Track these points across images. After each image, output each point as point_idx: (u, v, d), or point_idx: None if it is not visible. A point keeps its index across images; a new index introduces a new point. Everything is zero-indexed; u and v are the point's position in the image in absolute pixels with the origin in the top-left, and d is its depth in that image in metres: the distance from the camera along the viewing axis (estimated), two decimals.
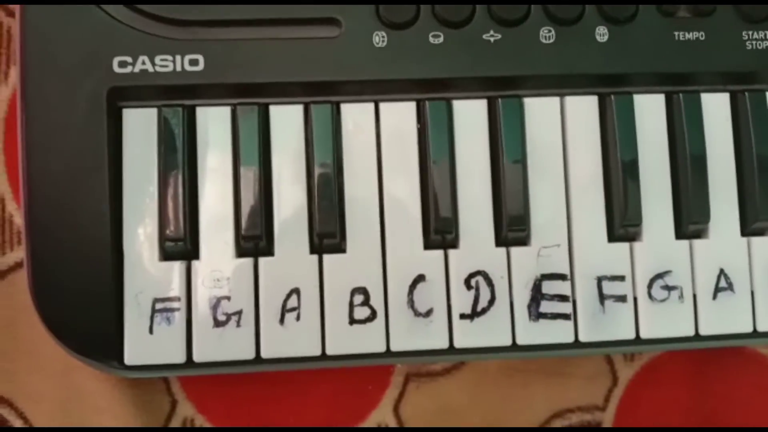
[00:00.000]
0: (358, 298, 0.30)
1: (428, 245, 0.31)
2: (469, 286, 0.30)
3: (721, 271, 0.31)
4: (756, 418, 0.36)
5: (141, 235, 0.30)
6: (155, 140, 0.30)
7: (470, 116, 0.31)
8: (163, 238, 0.29)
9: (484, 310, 0.30)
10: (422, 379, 0.35)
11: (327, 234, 0.30)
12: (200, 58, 0.29)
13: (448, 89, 0.31)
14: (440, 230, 0.30)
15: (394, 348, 0.30)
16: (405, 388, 0.35)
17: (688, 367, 0.36)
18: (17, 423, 0.33)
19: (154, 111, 0.30)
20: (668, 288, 0.31)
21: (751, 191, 0.32)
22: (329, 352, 0.29)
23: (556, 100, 0.31)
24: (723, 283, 0.31)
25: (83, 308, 0.29)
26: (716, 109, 0.32)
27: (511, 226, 0.30)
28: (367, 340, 0.30)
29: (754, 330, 0.31)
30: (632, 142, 0.31)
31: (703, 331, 0.31)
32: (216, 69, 0.29)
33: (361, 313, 0.30)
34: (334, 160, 0.30)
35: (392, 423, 0.35)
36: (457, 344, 0.30)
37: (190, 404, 0.34)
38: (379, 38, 0.30)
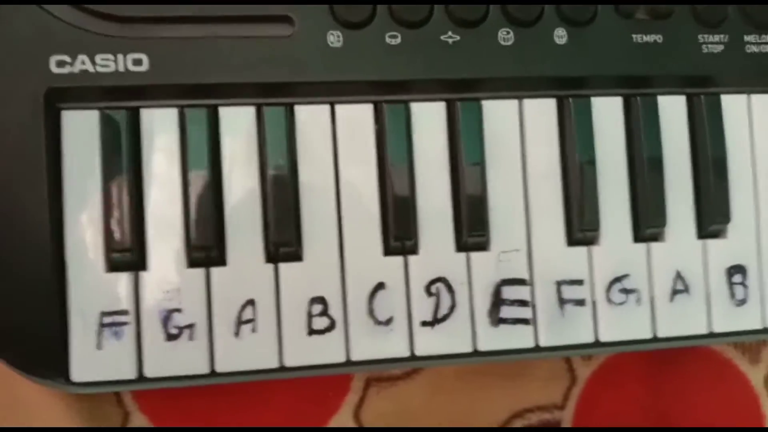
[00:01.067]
0: (317, 308, 0.29)
1: (388, 251, 0.30)
2: (429, 293, 0.30)
3: (678, 273, 0.32)
4: (711, 414, 0.37)
5: (85, 245, 0.28)
6: (98, 144, 0.28)
7: (429, 119, 0.30)
8: (108, 247, 0.28)
9: (445, 317, 0.30)
10: (382, 384, 0.35)
11: (283, 242, 0.29)
12: (144, 57, 0.28)
13: (406, 91, 0.30)
14: (400, 237, 0.29)
15: (354, 358, 0.29)
16: (365, 393, 0.35)
17: (645, 365, 0.37)
18: None
19: (95, 113, 0.28)
20: (626, 291, 0.31)
21: (707, 194, 0.32)
22: (287, 363, 0.29)
23: (514, 102, 0.31)
24: (679, 286, 0.32)
25: (25, 322, 0.28)
26: (673, 112, 0.32)
27: (471, 231, 0.30)
28: (327, 350, 0.29)
29: (710, 331, 0.32)
30: (590, 146, 0.31)
31: (661, 333, 0.31)
32: (161, 69, 0.28)
33: (320, 323, 0.29)
34: (289, 164, 0.29)
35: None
36: (418, 352, 0.30)
37: (143, 416, 0.33)
38: (335, 38, 0.29)
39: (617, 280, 0.31)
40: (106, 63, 0.27)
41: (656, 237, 0.32)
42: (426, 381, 0.35)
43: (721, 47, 0.31)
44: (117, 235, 0.28)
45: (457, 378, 0.35)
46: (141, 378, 0.28)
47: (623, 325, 0.31)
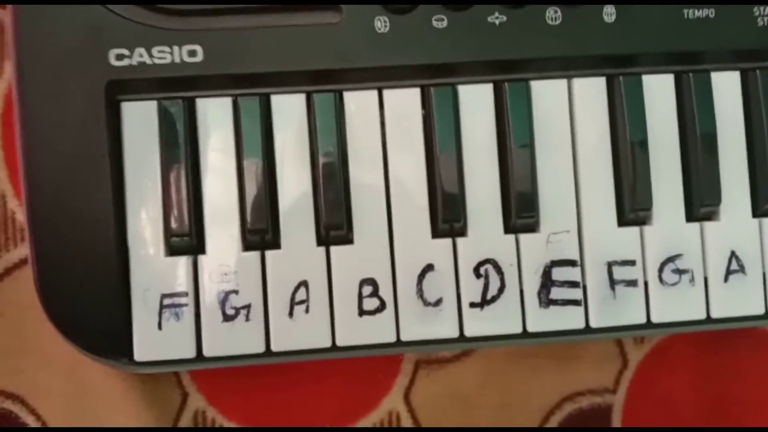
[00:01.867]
0: (367, 289, 0.30)
1: (436, 234, 0.30)
2: (478, 275, 0.30)
3: (733, 253, 0.31)
4: (766, 397, 0.36)
5: (146, 230, 0.29)
6: (156, 134, 0.29)
7: (476, 101, 0.30)
8: (168, 233, 0.29)
9: (493, 298, 0.30)
10: (432, 366, 0.35)
11: (334, 226, 0.29)
12: (198, 48, 0.29)
13: (452, 74, 0.30)
14: (448, 219, 0.30)
15: (404, 338, 0.30)
16: (415, 375, 0.35)
17: (698, 348, 0.36)
18: (29, 419, 0.33)
19: (153, 104, 0.29)
20: (679, 271, 0.31)
21: (763, 171, 0.31)
22: (339, 343, 0.29)
23: (563, 82, 0.31)
24: (734, 266, 0.31)
25: (90, 305, 0.29)
26: (727, 88, 0.31)
27: (520, 213, 0.30)
28: (377, 330, 0.29)
29: (766, 312, 0.31)
30: (642, 124, 0.30)
31: (715, 313, 0.31)
32: (215, 59, 0.29)
33: (371, 304, 0.29)
34: (339, 150, 0.30)
35: (403, 410, 0.35)
36: (468, 333, 0.30)
37: (200, 396, 0.34)
38: (381, 23, 0.29)
39: (670, 260, 0.31)
40: (162, 55, 0.29)
41: (710, 216, 0.31)
42: (476, 363, 0.35)
43: None
44: (176, 220, 0.29)
45: (508, 361, 0.35)
46: (200, 357, 0.29)
47: (676, 305, 0.31)
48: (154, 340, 0.29)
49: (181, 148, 0.29)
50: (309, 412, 0.34)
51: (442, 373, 0.35)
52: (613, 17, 0.30)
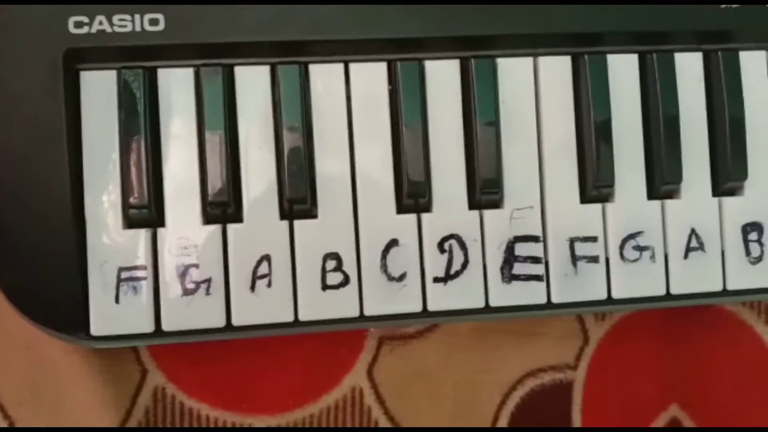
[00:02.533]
0: (331, 264, 0.29)
1: (401, 209, 0.30)
2: (442, 250, 0.30)
3: (693, 230, 0.31)
4: (725, 376, 0.37)
5: (104, 202, 0.29)
6: (115, 104, 0.29)
7: (443, 77, 0.30)
8: (126, 205, 0.28)
9: (457, 273, 0.30)
10: (395, 342, 0.35)
11: (297, 200, 0.29)
12: (160, 17, 0.28)
13: (420, 49, 0.30)
14: (413, 194, 0.30)
15: (367, 313, 0.29)
16: (378, 351, 0.35)
17: (659, 325, 0.37)
18: None
19: (113, 73, 0.29)
20: (640, 248, 0.31)
21: (723, 151, 0.32)
22: (302, 318, 0.29)
23: (529, 60, 0.31)
24: (694, 243, 0.31)
25: (46, 279, 0.28)
26: (689, 68, 0.32)
27: (485, 189, 0.30)
28: (341, 305, 0.29)
29: (724, 289, 0.32)
30: (605, 103, 0.31)
31: (675, 290, 0.31)
32: (177, 28, 0.28)
33: (334, 278, 0.29)
34: (303, 124, 0.29)
35: (366, 386, 0.35)
36: (431, 307, 0.30)
37: (160, 373, 0.33)
38: None
39: (631, 237, 0.31)
40: (123, 23, 0.28)
41: (671, 194, 0.32)
42: (439, 340, 0.35)
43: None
44: (135, 191, 0.28)
45: (471, 337, 0.36)
46: (158, 332, 0.29)
47: (636, 282, 0.31)
48: (112, 314, 0.28)
49: (141, 119, 0.28)
50: (271, 388, 0.34)
51: (405, 349, 0.35)
52: None
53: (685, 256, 0.31)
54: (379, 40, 0.29)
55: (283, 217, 0.29)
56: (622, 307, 0.33)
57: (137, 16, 0.28)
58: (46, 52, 0.28)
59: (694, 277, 0.32)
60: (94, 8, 0.28)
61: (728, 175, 0.32)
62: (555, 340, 0.36)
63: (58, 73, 0.28)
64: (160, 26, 0.28)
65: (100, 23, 0.28)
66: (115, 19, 0.28)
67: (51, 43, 0.28)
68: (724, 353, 0.37)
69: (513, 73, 0.31)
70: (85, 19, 0.28)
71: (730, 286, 0.32)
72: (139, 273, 0.28)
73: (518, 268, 0.30)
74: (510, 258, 0.30)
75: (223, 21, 0.28)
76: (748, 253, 0.32)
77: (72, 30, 0.28)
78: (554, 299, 0.31)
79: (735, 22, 0.31)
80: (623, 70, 0.31)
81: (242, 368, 0.34)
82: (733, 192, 0.32)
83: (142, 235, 0.29)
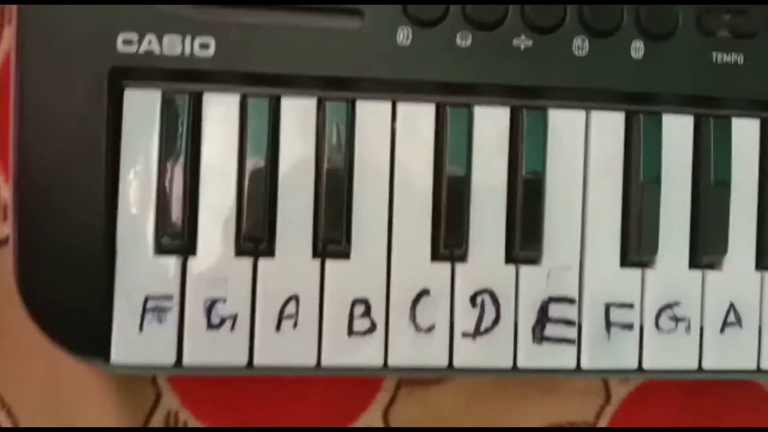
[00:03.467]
0: (359, 309, 0.29)
1: (436, 257, 0.29)
2: (474, 304, 0.29)
3: (731, 305, 0.31)
4: None
5: (136, 225, 0.28)
6: (157, 125, 0.28)
7: (491, 124, 0.29)
8: (159, 230, 0.28)
9: (487, 330, 0.29)
10: (414, 386, 0.34)
11: (332, 239, 0.28)
12: (211, 41, 0.27)
13: (470, 93, 0.29)
14: (450, 244, 0.29)
15: (391, 363, 0.29)
16: (396, 393, 0.34)
17: (684, 392, 0.36)
18: None
19: (158, 93, 0.28)
20: (676, 319, 0.30)
21: None
22: (324, 363, 0.28)
23: (581, 113, 0.30)
24: (732, 318, 0.31)
25: (70, 298, 0.28)
26: (745, 135, 0.31)
27: (524, 245, 0.29)
28: (365, 352, 0.28)
29: (758, 367, 0.31)
30: (657, 165, 0.30)
31: (707, 364, 0.30)
32: (227, 55, 0.27)
33: (361, 324, 0.29)
34: (346, 160, 0.28)
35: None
36: (457, 364, 0.29)
37: (174, 398, 0.33)
38: (404, 35, 0.28)
39: (668, 306, 0.30)
40: (173, 44, 0.27)
41: (713, 265, 0.31)
42: (459, 386, 0.35)
43: None
44: (168, 218, 0.28)
45: (491, 387, 0.35)
46: (178, 364, 0.28)
47: (669, 353, 0.30)
48: (134, 341, 0.28)
49: (181, 142, 0.28)
50: (286, 421, 0.33)
51: (424, 393, 0.34)
52: (641, 53, 0.29)
53: (722, 331, 0.30)
54: (429, 82, 0.29)
55: (315, 254, 0.29)
56: (650, 376, 0.32)
57: (188, 39, 0.27)
58: (93, 66, 0.27)
59: (728, 353, 0.31)
60: (146, 26, 0.27)
61: None
62: (577, 395, 0.35)
63: (103, 89, 0.27)
64: (210, 51, 0.27)
65: (149, 43, 0.27)
66: (165, 40, 0.27)
67: (98, 59, 0.27)
68: (747, 424, 0.36)
69: (563, 125, 0.30)
70: (135, 37, 0.27)
71: (764, 365, 0.31)
72: (166, 303, 0.28)
73: (550, 330, 0.29)
74: (543, 318, 0.29)
75: (273, 50, 0.28)
76: None
77: (120, 48, 0.27)
78: (584, 365, 0.30)
79: None
80: (677, 132, 0.30)
81: (258, 399, 0.33)
82: None
83: (172, 262, 0.28)
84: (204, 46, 0.27)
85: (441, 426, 0.34)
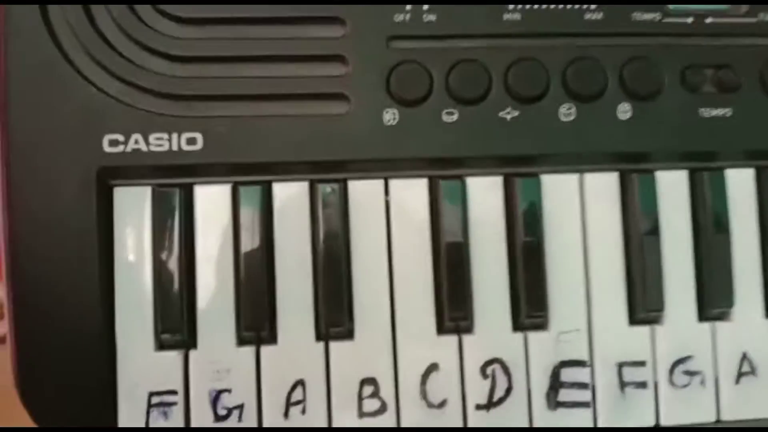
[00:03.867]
0: (368, 390, 0.28)
1: (441, 330, 0.29)
2: (485, 375, 0.29)
3: (744, 355, 0.30)
4: None
5: (134, 324, 0.28)
6: (149, 220, 0.28)
7: (485, 194, 0.29)
8: (158, 328, 0.27)
9: (500, 400, 0.29)
10: None
11: (334, 322, 0.28)
12: (199, 136, 0.27)
13: (462, 166, 0.29)
14: (455, 317, 0.29)
15: None
16: None
17: None
18: None
19: (147, 189, 0.28)
20: (690, 373, 0.30)
21: None
22: None
23: (575, 177, 0.30)
24: (746, 368, 0.30)
25: (72, 398, 0.27)
26: (741, 185, 0.30)
27: (530, 312, 0.29)
28: None
29: None
30: (654, 221, 0.30)
31: (725, 416, 0.30)
32: (216, 147, 0.27)
33: (371, 405, 0.28)
34: (343, 241, 0.28)
35: None
36: None
37: None
38: (390, 115, 0.28)
39: (680, 361, 0.30)
40: (160, 142, 0.27)
41: (722, 316, 0.30)
42: None
43: None
44: (167, 313, 0.27)
45: None
46: None
47: (686, 408, 0.30)
48: None
49: (174, 237, 0.28)
50: None
51: None
52: (629, 114, 0.29)
53: (737, 381, 0.30)
54: (420, 158, 0.29)
55: (318, 338, 0.28)
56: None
57: (174, 135, 0.27)
58: (80, 168, 0.27)
59: (746, 404, 0.30)
60: (131, 126, 0.27)
61: None
62: None
63: (91, 189, 0.27)
64: (198, 145, 0.27)
65: (136, 142, 0.27)
66: (152, 138, 0.27)
67: (85, 160, 0.27)
68: None
69: (558, 189, 0.30)
70: (121, 138, 0.27)
71: None
72: (170, 398, 0.27)
73: (564, 395, 0.29)
74: (556, 384, 0.29)
75: (262, 139, 0.28)
76: None
77: (107, 148, 0.27)
78: (600, 424, 0.29)
79: None
80: (672, 187, 0.30)
81: None
82: None
83: (174, 357, 0.28)
84: (191, 141, 0.27)
85: None
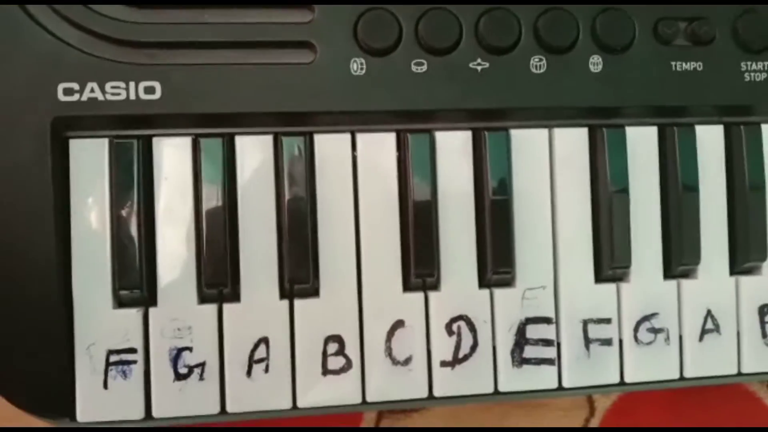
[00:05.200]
0: (333, 347, 0.28)
1: (408, 287, 0.29)
2: (450, 332, 0.28)
3: (708, 312, 0.30)
4: None
5: (92, 280, 0.27)
6: (106, 174, 0.27)
7: (454, 149, 0.29)
8: (116, 284, 0.27)
9: (465, 357, 0.29)
10: (396, 416, 0.34)
11: (298, 279, 0.27)
12: (157, 85, 0.26)
13: (430, 120, 0.29)
14: (421, 273, 0.28)
15: (370, 399, 0.28)
16: (378, 423, 0.34)
17: (666, 398, 0.36)
18: None
19: (104, 141, 0.27)
20: (655, 330, 0.30)
21: (743, 228, 0.30)
22: (300, 405, 0.28)
23: (544, 132, 0.29)
24: (710, 325, 0.30)
25: (29, 359, 0.26)
26: (710, 141, 0.30)
27: (496, 268, 0.29)
28: (342, 391, 0.28)
29: (739, 372, 0.31)
30: (624, 177, 0.29)
31: (689, 373, 0.30)
32: (175, 97, 0.26)
33: (336, 362, 0.28)
34: (308, 197, 0.28)
35: None
36: (437, 393, 0.28)
37: None
38: (357, 65, 0.27)
39: (646, 318, 0.30)
40: (116, 91, 0.26)
41: (687, 274, 0.30)
42: (442, 411, 0.34)
43: (764, 75, 0.30)
44: (125, 271, 0.27)
45: (474, 408, 0.34)
46: (148, 418, 0.27)
47: (650, 365, 0.30)
48: (99, 399, 0.27)
49: (133, 191, 0.27)
50: None
51: (407, 421, 0.34)
52: (600, 67, 0.28)
53: (700, 339, 0.30)
54: (388, 111, 0.28)
55: (283, 296, 0.28)
56: (633, 389, 0.32)
57: (132, 84, 0.26)
58: (34, 119, 0.26)
59: (709, 361, 0.30)
60: (86, 75, 0.26)
61: (748, 254, 0.30)
62: (561, 411, 0.35)
63: (46, 141, 0.26)
64: (156, 95, 0.26)
65: (92, 90, 0.26)
66: (108, 86, 0.26)
67: (39, 111, 0.26)
68: (733, 425, 0.36)
69: (527, 144, 0.29)
70: (76, 86, 0.26)
71: (745, 370, 0.31)
72: (129, 356, 0.27)
73: (529, 351, 0.29)
74: (521, 340, 0.29)
75: (223, 90, 0.27)
76: (765, 335, 0.31)
77: (61, 97, 0.26)
78: (566, 384, 0.29)
79: (757, 96, 0.30)
80: (642, 142, 0.30)
81: None
82: (750, 271, 0.31)
83: (133, 315, 0.27)
84: (149, 90, 0.26)
85: None
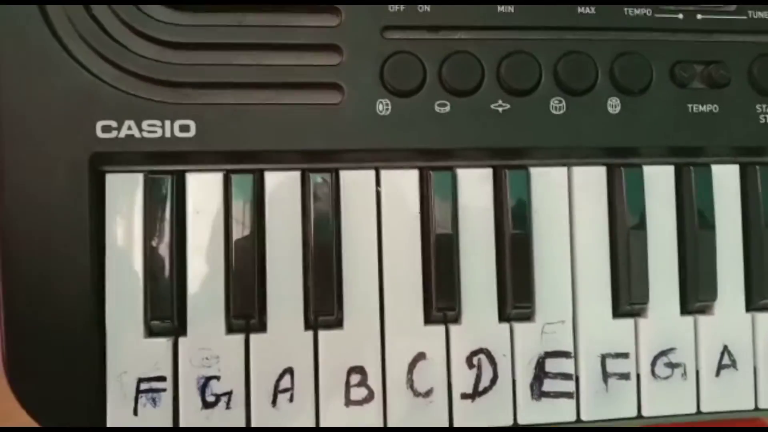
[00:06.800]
0: (355, 378, 0.28)
1: (429, 320, 0.29)
2: (471, 365, 0.29)
3: (725, 347, 0.31)
4: None
5: (124, 310, 0.28)
6: (140, 207, 0.28)
7: (475, 186, 0.30)
8: (148, 315, 0.28)
9: (485, 390, 0.29)
10: None
11: (323, 311, 0.28)
12: (192, 123, 0.27)
13: (452, 158, 0.29)
14: (442, 307, 0.29)
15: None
16: None
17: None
18: None
19: (139, 176, 0.28)
20: (672, 365, 0.30)
21: (759, 265, 0.31)
22: None
23: (563, 170, 0.30)
24: (726, 360, 0.31)
25: (61, 384, 0.27)
26: (726, 181, 0.31)
27: (516, 303, 0.29)
28: (364, 421, 0.28)
29: (756, 407, 0.31)
30: (641, 215, 0.30)
31: (705, 408, 0.31)
32: (209, 135, 0.27)
33: (358, 393, 0.28)
34: (333, 231, 0.28)
35: None
36: (457, 424, 0.29)
37: None
38: (383, 106, 0.28)
39: (663, 353, 0.30)
40: (153, 129, 0.27)
41: (704, 310, 0.31)
42: None
43: None
44: (157, 302, 0.27)
45: None
46: None
47: (667, 399, 0.30)
48: (129, 425, 0.27)
49: (166, 224, 0.28)
50: None
51: None
52: (618, 108, 0.29)
53: (717, 374, 0.31)
54: (411, 149, 0.29)
55: (308, 327, 0.29)
56: (650, 422, 0.32)
57: (167, 122, 0.27)
58: (72, 154, 0.27)
59: (726, 395, 0.31)
60: (124, 113, 0.27)
61: (763, 292, 0.31)
62: None
63: (84, 175, 0.27)
64: (191, 133, 0.27)
65: (129, 128, 0.27)
66: (145, 124, 0.27)
67: (77, 146, 0.27)
68: None
69: (546, 182, 0.30)
70: (114, 124, 0.27)
71: (762, 405, 0.31)
72: (159, 384, 0.27)
73: (548, 385, 0.29)
74: (540, 374, 0.29)
75: (255, 128, 0.28)
76: None
77: (100, 134, 0.27)
78: (584, 417, 0.30)
79: None
80: (659, 182, 0.31)
81: None
82: (766, 308, 0.31)
83: (163, 344, 0.28)
84: (184, 128, 0.27)
85: None
